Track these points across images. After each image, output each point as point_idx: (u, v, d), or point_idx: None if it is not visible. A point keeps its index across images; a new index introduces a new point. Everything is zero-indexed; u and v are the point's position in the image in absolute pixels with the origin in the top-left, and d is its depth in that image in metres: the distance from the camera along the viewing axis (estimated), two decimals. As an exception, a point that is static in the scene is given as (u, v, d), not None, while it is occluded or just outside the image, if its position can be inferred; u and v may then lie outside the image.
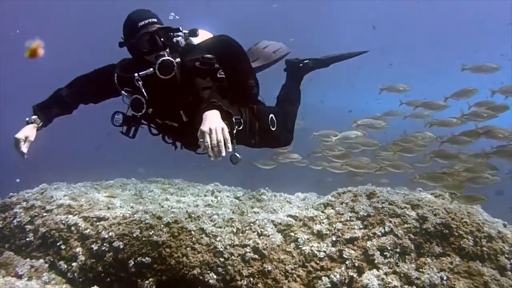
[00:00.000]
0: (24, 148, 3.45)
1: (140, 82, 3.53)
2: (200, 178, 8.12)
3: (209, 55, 3.60)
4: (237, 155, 3.70)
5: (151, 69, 3.49)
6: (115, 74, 3.67)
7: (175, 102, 3.69)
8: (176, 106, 3.72)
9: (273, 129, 4.32)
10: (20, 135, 3.48)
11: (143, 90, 3.56)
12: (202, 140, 2.92)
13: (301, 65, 5.29)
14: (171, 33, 3.64)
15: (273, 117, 4.30)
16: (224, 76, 3.62)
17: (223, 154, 2.91)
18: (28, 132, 3.53)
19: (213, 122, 2.99)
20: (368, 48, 5.32)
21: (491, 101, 7.46)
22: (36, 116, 3.63)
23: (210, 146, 2.88)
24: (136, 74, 3.51)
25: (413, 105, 8.14)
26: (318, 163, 9.30)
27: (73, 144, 22.43)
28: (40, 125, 3.64)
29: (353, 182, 7.49)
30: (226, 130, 2.96)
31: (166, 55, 3.53)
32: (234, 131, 3.71)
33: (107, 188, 6.76)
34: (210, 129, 2.91)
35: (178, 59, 3.55)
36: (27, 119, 3.61)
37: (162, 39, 3.52)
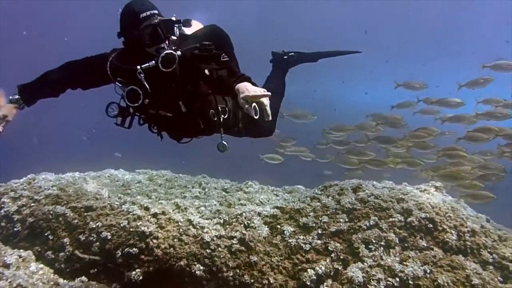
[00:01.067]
0: (1, 127, 3.43)
1: (142, 75, 3.55)
2: (188, 170, 8.13)
3: (207, 42, 3.68)
4: (225, 143, 3.82)
5: (153, 61, 3.51)
6: (108, 64, 3.68)
7: (174, 93, 3.74)
8: (175, 97, 3.76)
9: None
10: (0, 113, 3.45)
11: (145, 82, 3.58)
12: (247, 106, 3.05)
13: (285, 57, 5.38)
14: (172, 25, 3.68)
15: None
16: (228, 59, 3.69)
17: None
18: (8, 111, 3.50)
19: (253, 88, 3.11)
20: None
21: (500, 99, 7.44)
22: (19, 97, 3.60)
23: (265, 106, 3.03)
24: (138, 67, 3.53)
25: (429, 102, 8.13)
26: (324, 156, 9.43)
27: (61, 135, 22.31)
28: (21, 106, 3.61)
29: (353, 175, 7.52)
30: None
31: (166, 47, 3.56)
32: (221, 119, 3.83)
33: (95, 179, 6.76)
34: (256, 93, 3.04)
35: (178, 52, 3.57)
36: (10, 97, 3.58)
37: (163, 32, 3.55)
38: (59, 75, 3.77)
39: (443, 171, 6.92)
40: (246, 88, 3.11)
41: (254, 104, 3.10)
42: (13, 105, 3.56)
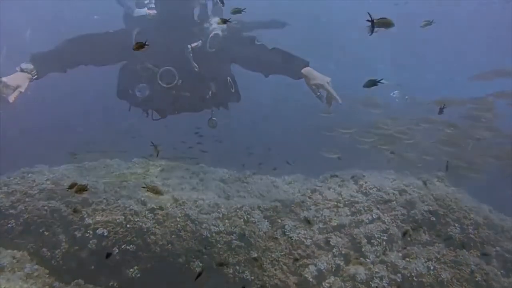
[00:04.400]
0: (12, 97, 3.07)
1: (191, 54, 3.50)
2: (186, 159, 7.99)
3: (236, 25, 3.81)
4: (214, 119, 3.84)
5: (200, 41, 3.58)
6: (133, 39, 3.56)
7: (209, 74, 3.82)
8: (206, 77, 3.82)
9: (233, 91, 4.37)
10: (12, 81, 3.10)
11: (193, 62, 3.59)
12: (319, 93, 3.37)
13: None
14: (219, 8, 3.79)
15: (230, 80, 4.31)
16: (261, 42, 3.78)
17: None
18: (21, 81, 3.18)
19: (323, 77, 3.38)
20: None
21: None
22: (33, 66, 3.30)
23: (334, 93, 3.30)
24: (189, 46, 3.54)
25: None
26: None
27: (53, 125, 22.06)
28: (34, 76, 3.31)
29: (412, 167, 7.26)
30: None
31: (209, 27, 3.65)
32: (207, 96, 3.84)
33: (90, 171, 6.62)
34: (328, 82, 3.33)
35: (220, 32, 3.64)
36: (22, 66, 3.27)
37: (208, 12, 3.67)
38: (76, 49, 3.59)
39: None
40: (317, 76, 3.36)
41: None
42: (26, 75, 3.26)
